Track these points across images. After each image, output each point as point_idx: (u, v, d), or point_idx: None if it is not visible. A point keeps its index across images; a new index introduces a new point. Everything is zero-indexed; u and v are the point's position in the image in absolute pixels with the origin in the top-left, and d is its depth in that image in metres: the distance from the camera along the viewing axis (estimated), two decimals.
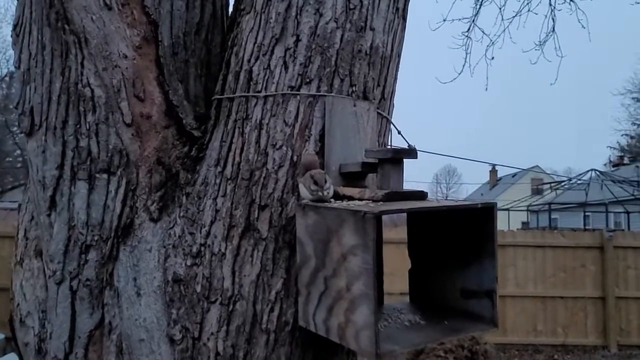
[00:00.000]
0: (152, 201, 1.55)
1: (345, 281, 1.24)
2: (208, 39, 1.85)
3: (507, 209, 21.05)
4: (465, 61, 6.95)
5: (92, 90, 1.57)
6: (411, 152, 1.40)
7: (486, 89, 7.06)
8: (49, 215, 1.58)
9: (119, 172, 1.57)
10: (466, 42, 6.84)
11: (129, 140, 1.58)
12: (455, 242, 1.50)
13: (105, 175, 1.57)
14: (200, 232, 1.49)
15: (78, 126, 1.58)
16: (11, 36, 1.79)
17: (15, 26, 1.77)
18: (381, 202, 1.31)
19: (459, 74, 6.83)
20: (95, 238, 1.54)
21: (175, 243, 1.50)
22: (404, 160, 1.41)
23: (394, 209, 1.22)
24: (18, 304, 1.61)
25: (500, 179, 44.56)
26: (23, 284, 1.62)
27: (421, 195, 1.41)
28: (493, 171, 42.78)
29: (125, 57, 1.59)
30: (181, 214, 1.52)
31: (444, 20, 7.05)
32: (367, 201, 1.35)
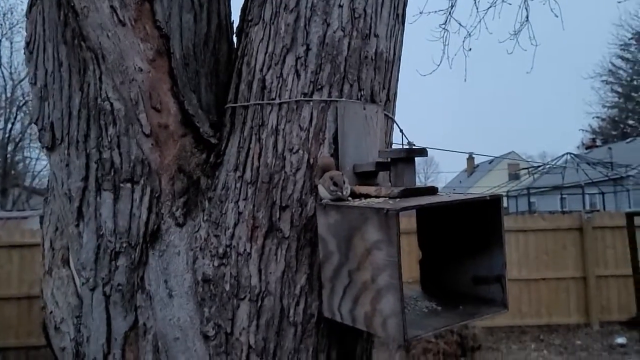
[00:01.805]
0: (177, 207, 1.63)
1: (371, 273, 1.33)
2: (216, 49, 1.93)
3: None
4: (444, 53, 7.11)
5: (112, 104, 1.65)
6: (422, 151, 1.50)
7: (465, 80, 7.23)
8: (77, 226, 1.65)
9: (142, 181, 1.64)
10: (443, 35, 6.99)
11: (149, 150, 1.65)
12: (463, 232, 1.61)
13: (129, 185, 1.64)
14: (225, 234, 1.58)
15: (100, 139, 1.65)
16: (24, 54, 1.85)
17: (27, 44, 1.82)
18: (398, 199, 1.40)
19: (438, 65, 6.98)
20: (124, 245, 1.62)
21: (202, 245, 1.58)
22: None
23: (412, 205, 1.32)
24: (51, 312, 1.67)
25: (478, 166, 45.29)
26: (54, 292, 1.69)
27: (433, 190, 1.51)
28: (470, 159, 43.47)
29: (141, 70, 1.67)
30: (205, 218, 1.60)
31: (421, 13, 7.19)
32: (384, 198, 1.43)
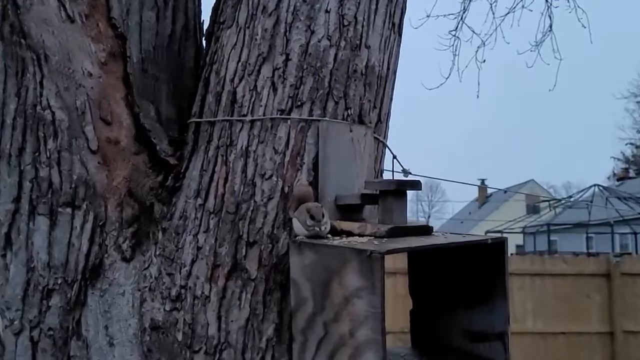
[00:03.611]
0: (124, 238, 1.63)
1: (349, 326, 1.32)
2: (180, 53, 1.97)
3: (500, 231, 21.58)
4: (453, 64, 7.21)
5: (53, 113, 1.65)
6: (415, 184, 1.53)
7: (477, 95, 7.33)
8: (3, 256, 1.64)
9: (84, 206, 1.64)
10: (454, 43, 7.11)
11: (95, 170, 1.65)
12: (462, 278, 1.63)
13: (69, 210, 1.64)
14: (180, 273, 1.58)
15: (37, 154, 1.65)
16: None
17: None
18: (385, 239, 1.42)
19: (446, 78, 7.09)
20: (59, 281, 1.61)
21: (151, 285, 1.58)
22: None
23: (400, 247, 1.35)
24: None
25: (491, 195, 45.53)
26: None
27: (426, 230, 1.54)
28: (482, 187, 43.79)
29: (90, 75, 1.68)
30: (157, 253, 1.61)
31: (428, 17, 7.31)
32: (369, 237, 1.46)
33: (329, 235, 1.51)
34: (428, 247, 1.40)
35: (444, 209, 58.51)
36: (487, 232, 21.90)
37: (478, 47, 7.14)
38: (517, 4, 6.81)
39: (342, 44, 1.69)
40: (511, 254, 11.72)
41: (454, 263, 1.65)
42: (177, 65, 1.94)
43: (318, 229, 1.46)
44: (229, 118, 1.65)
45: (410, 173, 1.58)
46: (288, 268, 1.52)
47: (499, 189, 21.73)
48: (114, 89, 1.72)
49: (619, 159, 41.28)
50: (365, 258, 1.29)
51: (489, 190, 46.47)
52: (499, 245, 1.52)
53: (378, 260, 1.27)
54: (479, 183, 40.39)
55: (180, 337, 1.54)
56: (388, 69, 1.82)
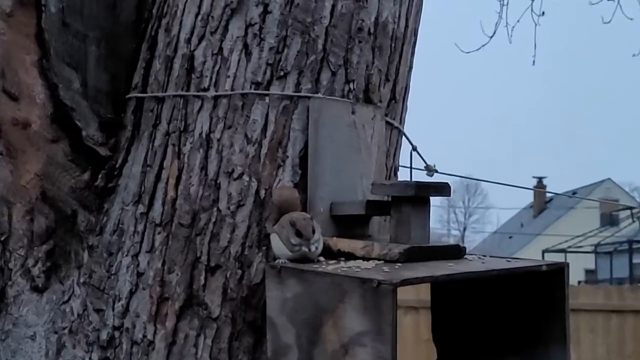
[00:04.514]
0: (35, 259, 1.62)
1: None
2: (116, 3, 1.93)
3: (563, 250, 21.56)
4: (500, 17, 7.18)
5: None
6: (443, 189, 1.52)
7: (533, 62, 7.32)
8: None
9: None
10: None
11: None
12: (504, 317, 1.62)
13: None
14: (114, 309, 1.57)
15: None
16: None
17: None
18: (399, 264, 1.40)
19: (491, 37, 7.07)
20: None
21: (73, 326, 1.57)
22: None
23: (420, 275, 1.33)
24: None
25: (551, 200, 45.12)
26: None
27: (456, 251, 1.53)
28: (540, 188, 43.18)
29: None
30: (82, 280, 1.61)
31: None
32: (376, 261, 1.44)
33: (321, 259, 1.50)
34: (458, 276, 1.39)
35: (485, 219, 57.20)
36: (544, 251, 21.83)
37: None
38: None
39: None
40: (579, 283, 11.72)
41: (495, 296, 1.63)
42: (112, 18, 1.92)
43: (306, 250, 1.45)
44: (184, 93, 1.64)
45: (437, 171, 1.57)
46: (264, 304, 1.52)
47: (563, 193, 21.45)
48: (22, 50, 1.71)
49: None
50: (371, 290, 1.28)
51: (549, 194, 46.20)
52: (558, 273, 1.52)
53: (388, 294, 1.26)
54: (534, 184, 40.14)
55: None
56: (406, 26, 1.81)
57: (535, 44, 7.27)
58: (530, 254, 24.06)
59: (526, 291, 1.58)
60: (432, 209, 1.58)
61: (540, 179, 42.84)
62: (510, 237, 42.88)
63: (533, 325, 1.57)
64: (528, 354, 1.59)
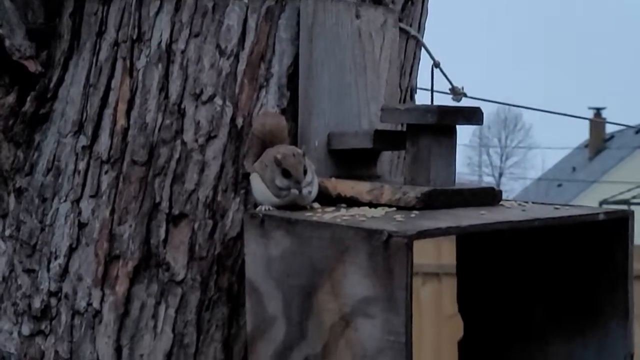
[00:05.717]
0: None
1: None
2: None
3: (626, 202, 21.47)
4: None
5: None
6: (473, 114, 1.40)
7: None
8: None
9: None
10: None
11: None
12: (550, 284, 1.53)
13: None
14: (49, 271, 1.49)
15: None
16: None
17: None
18: (416, 212, 1.31)
19: None
20: None
21: None
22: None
23: (443, 226, 1.23)
24: None
25: (612, 138, 42.66)
26: None
27: (490, 197, 1.42)
28: (597, 122, 40.51)
29: None
30: (7, 233, 1.55)
31: None
32: (386, 208, 1.35)
33: (316, 205, 1.42)
34: (492, 226, 1.26)
35: (527, 162, 53.08)
36: (602, 202, 21.45)
37: None
38: None
39: None
40: None
41: (538, 257, 1.54)
42: None
43: (296, 193, 1.37)
44: None
45: (465, 95, 1.49)
46: (242, 264, 1.44)
47: (627, 125, 20.55)
48: None
49: None
50: (380, 245, 1.17)
51: (609, 129, 44.12)
52: (620, 225, 1.37)
53: (402, 250, 1.14)
54: (590, 115, 38.08)
55: None
56: None
57: None
58: None
59: (578, 250, 1.47)
60: (458, 146, 1.47)
61: (598, 110, 39.82)
62: (560, 185, 40.10)
63: (585, 295, 1.47)
64: (578, 332, 1.48)
